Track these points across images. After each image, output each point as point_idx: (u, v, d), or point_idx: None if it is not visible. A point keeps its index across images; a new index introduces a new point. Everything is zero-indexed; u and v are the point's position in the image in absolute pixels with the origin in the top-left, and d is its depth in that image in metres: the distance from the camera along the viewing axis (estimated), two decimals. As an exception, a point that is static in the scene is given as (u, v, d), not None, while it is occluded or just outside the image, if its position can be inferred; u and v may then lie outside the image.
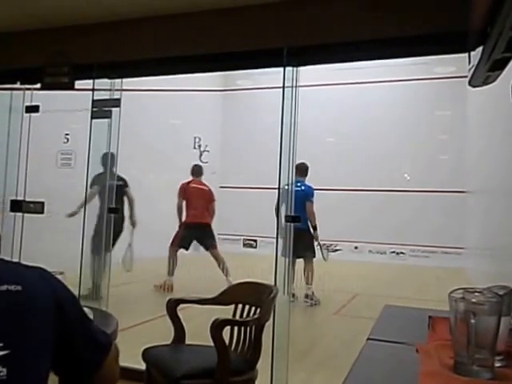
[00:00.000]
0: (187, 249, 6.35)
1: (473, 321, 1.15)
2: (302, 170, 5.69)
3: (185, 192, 6.47)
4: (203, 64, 3.28)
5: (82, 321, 1.07)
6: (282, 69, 3.01)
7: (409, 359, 1.38)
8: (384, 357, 1.44)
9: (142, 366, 2.39)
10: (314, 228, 5.76)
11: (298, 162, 3.24)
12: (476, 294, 1.22)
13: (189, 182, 6.60)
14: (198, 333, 2.59)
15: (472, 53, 1.41)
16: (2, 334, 0.90)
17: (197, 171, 6.75)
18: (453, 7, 2.33)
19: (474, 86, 1.45)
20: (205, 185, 6.69)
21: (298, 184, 5.50)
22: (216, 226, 10.67)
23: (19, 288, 0.95)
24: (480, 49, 1.27)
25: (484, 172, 6.22)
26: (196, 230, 6.35)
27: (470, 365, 1.18)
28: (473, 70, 1.36)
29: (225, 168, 11.24)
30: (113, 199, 3.63)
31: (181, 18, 3.14)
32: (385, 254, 10.53)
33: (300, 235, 5.31)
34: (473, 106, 8.16)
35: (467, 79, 1.44)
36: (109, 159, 3.73)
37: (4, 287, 0.94)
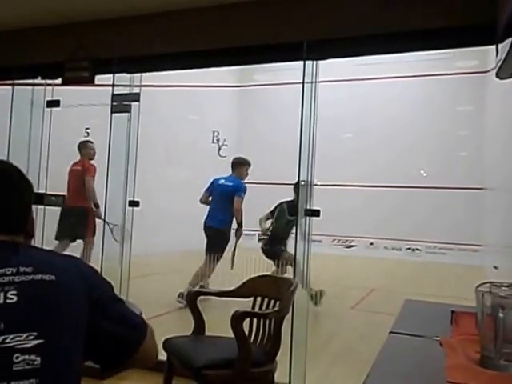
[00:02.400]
0: None
1: (501, 315, 1.15)
2: (233, 164, 5.30)
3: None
4: (223, 58, 3.28)
5: (115, 304, 1.08)
6: (300, 64, 2.99)
7: (432, 352, 1.37)
8: (407, 350, 1.44)
9: (163, 356, 2.42)
10: (240, 225, 5.15)
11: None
12: (503, 288, 1.21)
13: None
14: (215, 326, 2.61)
15: (500, 45, 1.39)
16: (36, 323, 0.92)
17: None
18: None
19: (502, 78, 1.43)
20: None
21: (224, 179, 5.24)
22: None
23: (53, 278, 0.97)
24: (510, 40, 1.25)
25: (505, 168, 6.13)
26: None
27: (498, 359, 1.17)
28: (501, 61, 1.34)
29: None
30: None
31: (200, 12, 3.14)
32: (400, 250, 10.47)
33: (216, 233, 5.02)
34: (493, 100, 8.04)
35: (495, 71, 1.42)
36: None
37: (39, 276, 0.96)
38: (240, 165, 5.32)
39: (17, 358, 0.88)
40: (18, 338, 0.89)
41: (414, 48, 2.91)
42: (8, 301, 0.92)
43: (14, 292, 0.93)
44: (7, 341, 0.88)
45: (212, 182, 5.37)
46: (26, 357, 0.88)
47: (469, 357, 1.26)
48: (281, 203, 5.32)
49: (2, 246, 1.03)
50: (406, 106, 10.40)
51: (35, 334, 0.90)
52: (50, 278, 0.97)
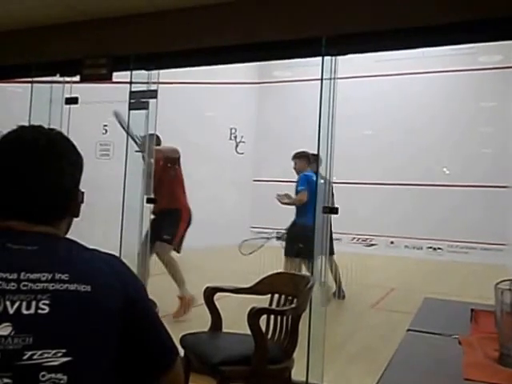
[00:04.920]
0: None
1: (522, 311, 1.11)
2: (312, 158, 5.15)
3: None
4: (241, 54, 3.27)
5: (151, 321, 1.00)
6: (318, 61, 2.95)
7: (451, 351, 1.35)
8: (425, 347, 1.41)
9: (180, 353, 2.42)
10: None
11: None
12: (524, 284, 1.17)
13: None
14: (232, 323, 2.60)
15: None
16: (66, 339, 0.85)
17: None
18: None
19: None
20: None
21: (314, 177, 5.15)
22: (249, 219, 10.71)
23: (88, 288, 0.89)
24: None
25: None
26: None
27: (517, 357, 1.14)
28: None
29: (258, 161, 11.19)
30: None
31: (218, 8, 3.13)
32: (421, 249, 10.32)
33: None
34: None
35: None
36: None
37: (73, 286, 0.89)
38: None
39: (43, 376, 0.82)
40: (45, 355, 0.82)
41: (438, 43, 2.82)
42: (39, 311, 0.85)
43: (47, 302, 0.86)
44: (35, 357, 0.82)
45: (307, 180, 5.26)
46: (53, 375, 0.82)
47: (487, 355, 1.23)
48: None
49: (42, 243, 0.94)
50: (427, 103, 10.22)
51: (64, 350, 0.84)
52: (85, 289, 0.89)
